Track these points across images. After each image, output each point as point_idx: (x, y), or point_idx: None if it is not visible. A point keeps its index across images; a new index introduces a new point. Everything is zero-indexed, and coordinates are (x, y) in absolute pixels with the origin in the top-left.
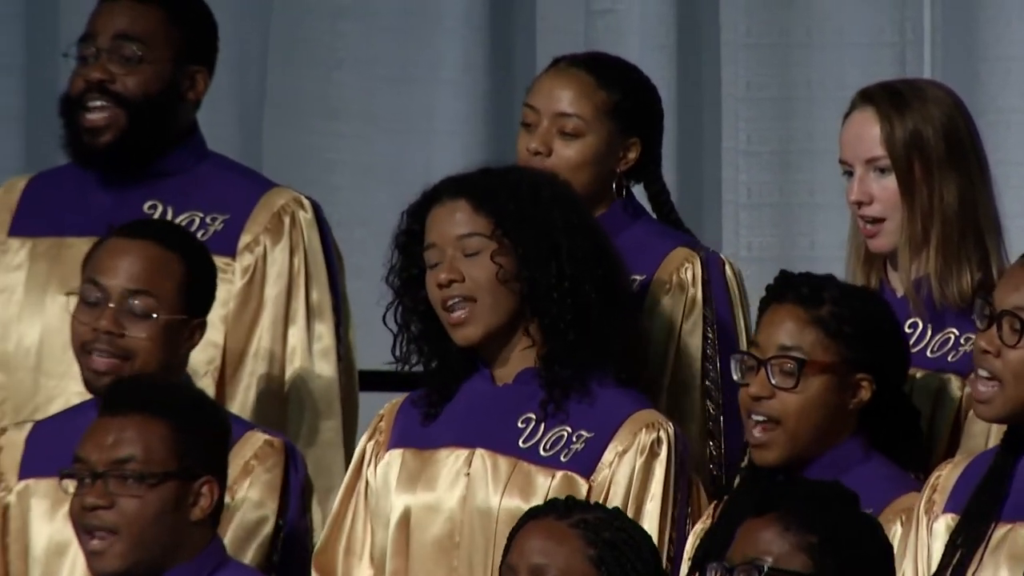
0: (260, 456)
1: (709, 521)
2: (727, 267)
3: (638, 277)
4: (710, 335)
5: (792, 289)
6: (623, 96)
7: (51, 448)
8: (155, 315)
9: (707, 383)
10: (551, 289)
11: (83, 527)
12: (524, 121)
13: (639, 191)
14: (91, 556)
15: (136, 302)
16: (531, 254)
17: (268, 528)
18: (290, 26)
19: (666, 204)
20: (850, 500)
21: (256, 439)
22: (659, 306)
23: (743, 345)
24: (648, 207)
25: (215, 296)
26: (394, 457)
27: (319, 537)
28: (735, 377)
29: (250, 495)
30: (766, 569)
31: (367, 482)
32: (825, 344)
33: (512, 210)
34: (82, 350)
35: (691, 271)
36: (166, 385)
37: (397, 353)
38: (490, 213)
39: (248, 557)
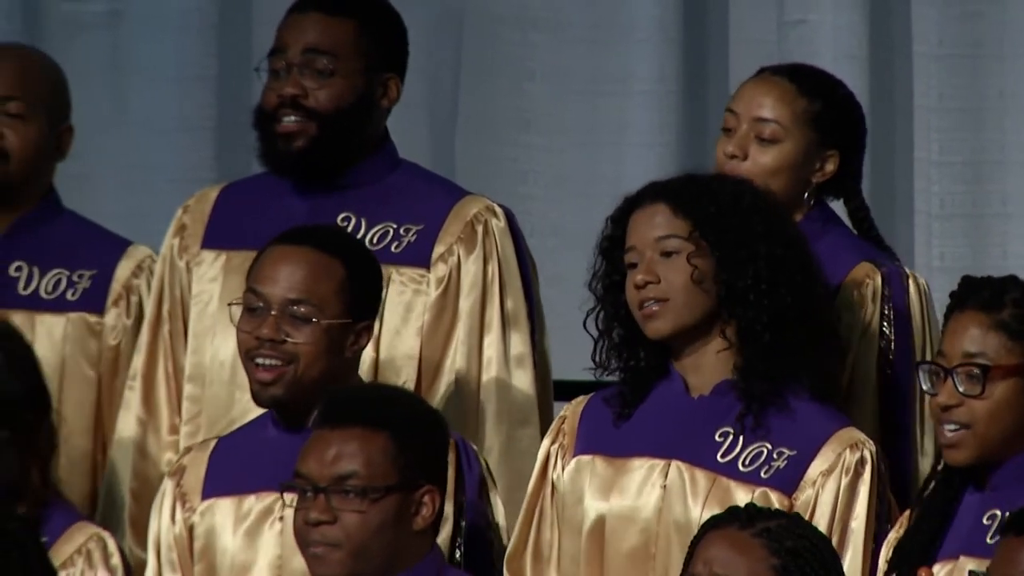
0: None
1: (902, 530)
2: (911, 282)
3: None
4: (885, 349)
5: (973, 295)
6: (824, 107)
7: (233, 466)
8: (316, 320)
9: (884, 397)
10: (747, 291)
11: (306, 542)
12: (725, 126)
13: (839, 207)
14: (313, 562)
15: (296, 308)
16: (729, 257)
17: (448, 526)
18: (482, 37)
19: (865, 220)
20: None
21: None
22: (839, 321)
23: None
24: (847, 222)
25: (380, 299)
26: (584, 463)
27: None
28: (923, 387)
29: None
30: None
31: (553, 485)
32: (1009, 347)
33: (712, 213)
34: (247, 359)
35: (871, 287)
36: (385, 395)
37: (596, 359)
38: (689, 216)
39: None
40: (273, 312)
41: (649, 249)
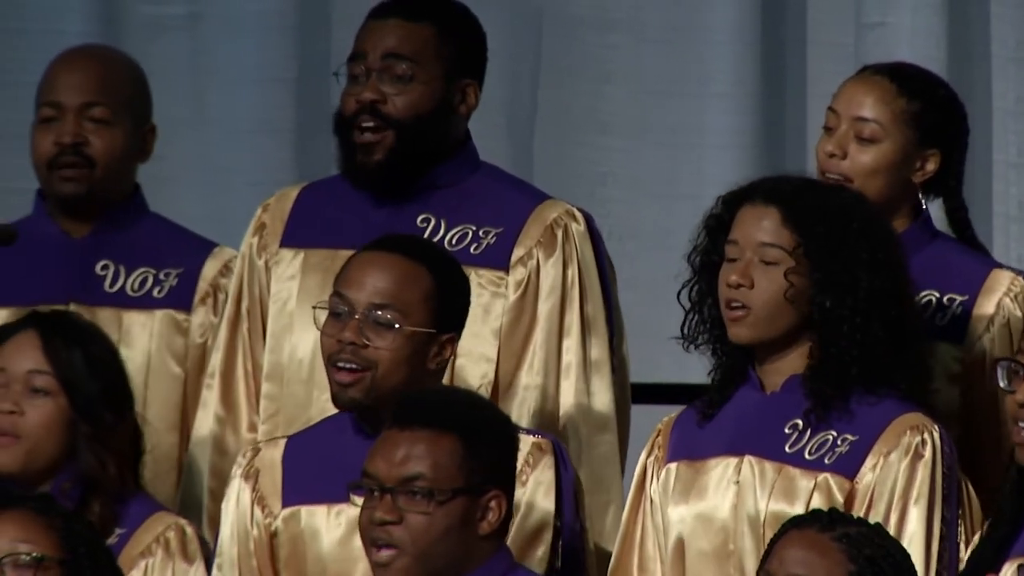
0: (531, 460)
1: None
2: None
3: (936, 295)
4: None
5: None
6: (924, 106)
7: (313, 471)
8: (398, 326)
9: None
10: (842, 322)
11: (371, 540)
12: (826, 124)
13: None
14: (377, 568)
15: (380, 313)
16: (827, 282)
17: (549, 534)
18: (561, 39)
19: (963, 221)
20: None
21: (524, 442)
22: (988, 331)
23: None
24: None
25: (467, 313)
26: (670, 471)
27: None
28: (1002, 384)
29: (527, 500)
30: None
31: (651, 499)
32: None
33: (819, 233)
34: (329, 363)
35: (1021, 295)
36: (455, 399)
37: (685, 331)
38: (797, 230)
39: (534, 565)
40: (356, 316)
41: (750, 250)
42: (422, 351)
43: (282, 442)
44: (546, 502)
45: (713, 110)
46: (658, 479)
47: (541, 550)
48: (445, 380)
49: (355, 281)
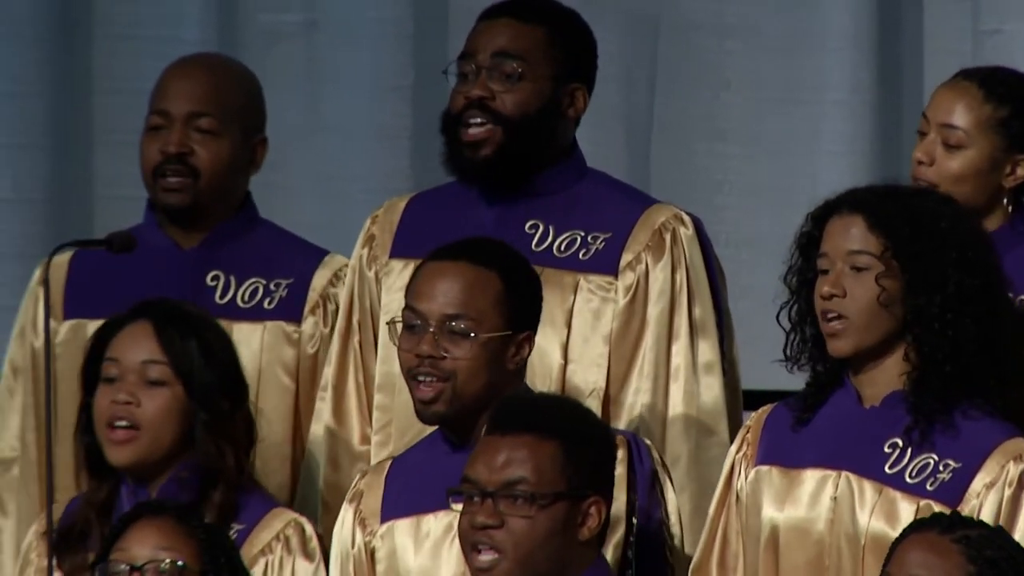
0: None
1: None
2: None
3: None
4: None
5: None
6: (1012, 112)
7: (408, 486)
8: (474, 334)
9: None
10: (933, 320)
11: (471, 545)
12: (919, 129)
13: None
14: (478, 573)
15: (454, 324)
16: (918, 282)
17: (622, 527)
18: (677, 46)
19: None
20: None
21: None
22: None
23: None
24: None
25: (540, 307)
26: (762, 473)
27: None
28: None
29: None
30: None
31: (737, 495)
32: None
33: (907, 235)
34: (409, 377)
35: None
36: (555, 404)
37: (787, 352)
38: (883, 234)
39: (606, 556)
40: (431, 329)
41: (840, 260)
42: (500, 354)
43: (387, 463)
44: (618, 495)
45: (829, 117)
46: (747, 477)
47: (612, 542)
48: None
49: (425, 293)
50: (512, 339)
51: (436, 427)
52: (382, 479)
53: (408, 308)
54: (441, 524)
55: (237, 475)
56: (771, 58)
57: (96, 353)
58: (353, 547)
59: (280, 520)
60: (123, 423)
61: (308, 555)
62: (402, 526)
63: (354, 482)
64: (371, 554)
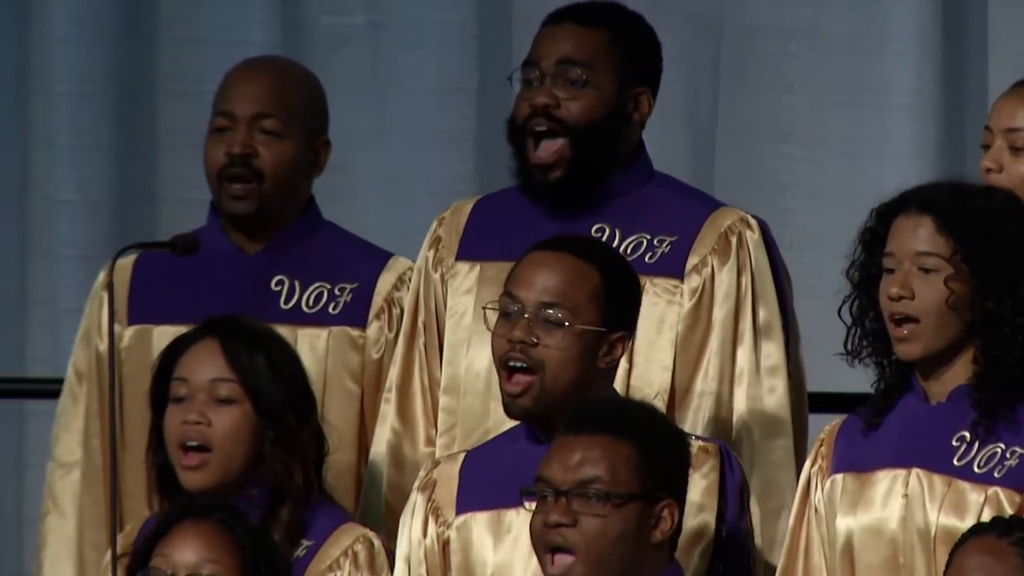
0: (696, 462)
1: None
2: None
3: None
4: None
5: None
6: None
7: (485, 480)
8: (568, 324)
9: None
10: (1003, 323)
11: (544, 544)
12: (983, 143)
13: None
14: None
15: (550, 312)
16: (987, 285)
17: (710, 535)
18: (741, 49)
19: None
20: None
21: (691, 447)
22: None
23: None
24: None
25: (637, 311)
26: (836, 482)
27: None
28: None
29: (689, 499)
30: None
31: (815, 509)
32: None
33: (975, 237)
34: (500, 365)
35: None
36: (630, 407)
37: (848, 346)
38: (952, 236)
39: (692, 565)
40: (527, 315)
41: (908, 261)
42: (592, 350)
43: (461, 456)
44: (708, 503)
45: (894, 120)
46: (822, 489)
47: (699, 550)
48: (621, 389)
49: (525, 280)
50: (606, 337)
51: (518, 423)
52: (456, 470)
53: (506, 294)
54: (524, 519)
55: (306, 492)
56: (835, 61)
57: (163, 373)
58: (425, 536)
59: (349, 536)
60: (194, 443)
61: (375, 570)
62: (481, 520)
63: (425, 471)
64: (444, 545)
